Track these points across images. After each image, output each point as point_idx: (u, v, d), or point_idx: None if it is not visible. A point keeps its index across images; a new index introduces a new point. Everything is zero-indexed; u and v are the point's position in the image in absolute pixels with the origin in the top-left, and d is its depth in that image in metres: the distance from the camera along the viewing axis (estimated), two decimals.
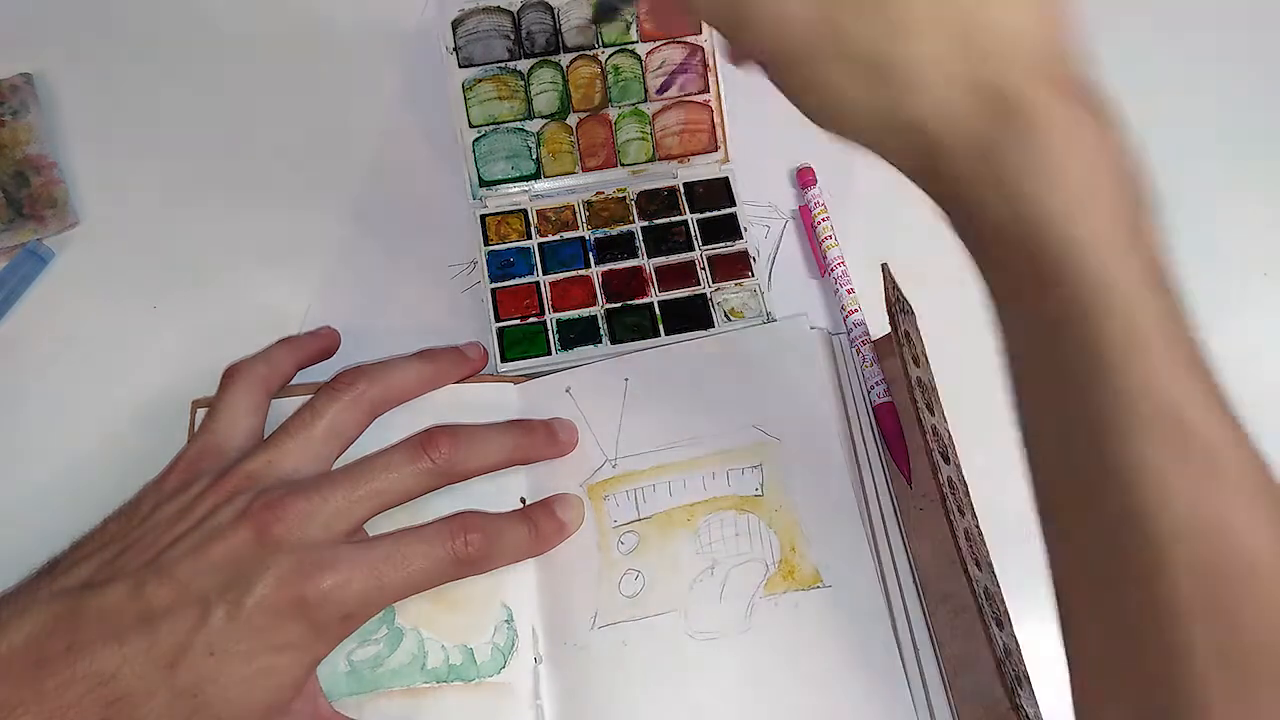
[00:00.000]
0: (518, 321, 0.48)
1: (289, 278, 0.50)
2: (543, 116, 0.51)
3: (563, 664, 0.39)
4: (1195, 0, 0.59)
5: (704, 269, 0.49)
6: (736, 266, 0.49)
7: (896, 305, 0.41)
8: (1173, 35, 0.58)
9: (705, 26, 0.51)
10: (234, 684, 0.33)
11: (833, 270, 0.48)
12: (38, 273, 0.51)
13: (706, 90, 0.51)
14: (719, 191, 0.51)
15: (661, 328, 0.47)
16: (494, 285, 0.49)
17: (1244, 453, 0.26)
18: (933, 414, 0.41)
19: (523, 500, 0.42)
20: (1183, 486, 0.25)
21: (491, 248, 0.50)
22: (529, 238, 0.50)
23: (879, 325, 0.45)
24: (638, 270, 0.49)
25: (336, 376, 0.40)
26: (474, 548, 0.37)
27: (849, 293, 0.47)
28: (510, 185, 0.51)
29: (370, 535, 0.38)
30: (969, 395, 0.45)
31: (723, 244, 0.50)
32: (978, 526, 0.41)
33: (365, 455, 0.38)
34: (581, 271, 0.49)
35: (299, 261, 0.51)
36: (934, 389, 0.43)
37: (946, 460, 0.40)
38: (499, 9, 0.50)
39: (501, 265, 0.49)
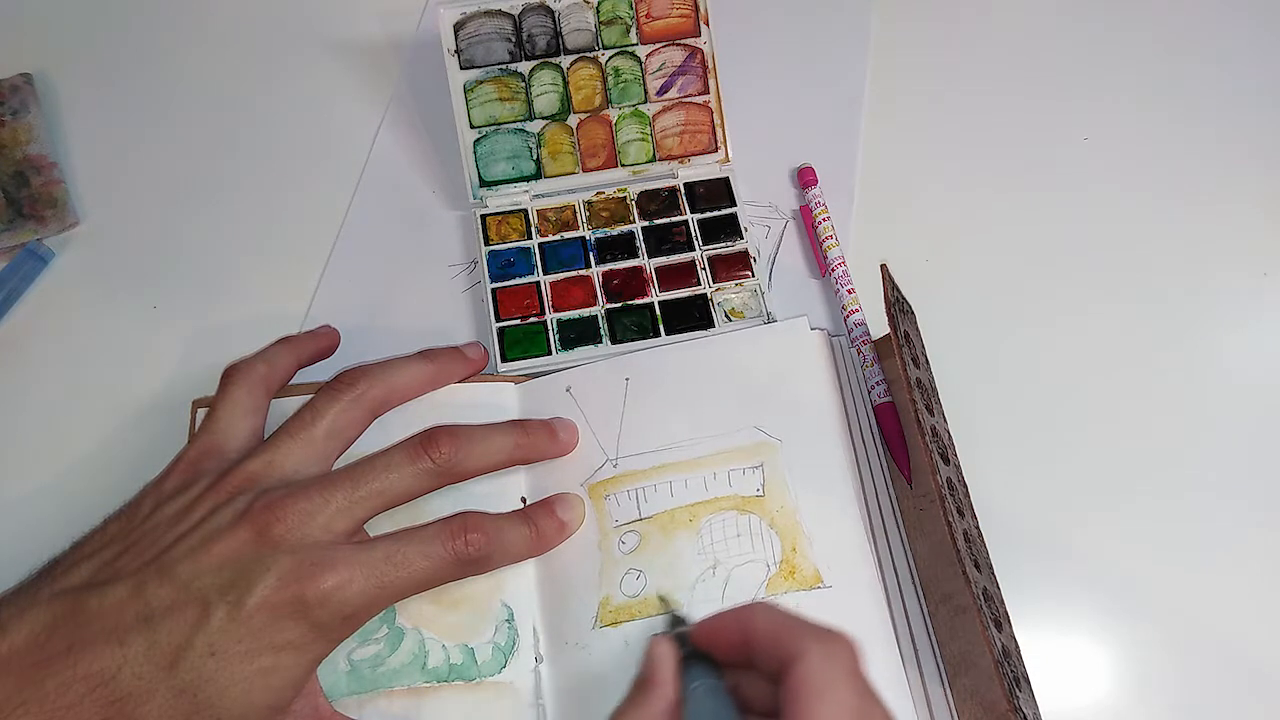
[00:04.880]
0: (518, 321, 0.48)
1: (289, 278, 0.50)
2: (543, 118, 0.51)
3: (564, 664, 0.39)
4: (1195, 2, 0.59)
5: (704, 269, 0.49)
6: (737, 266, 0.49)
7: (896, 305, 0.41)
8: (1173, 36, 0.58)
9: (705, 28, 0.51)
10: (234, 684, 0.33)
11: (833, 270, 0.48)
12: (38, 273, 0.51)
13: (706, 91, 0.51)
14: (719, 191, 0.51)
15: (662, 328, 0.47)
16: (494, 285, 0.49)
17: None
18: (932, 414, 0.41)
19: (523, 500, 0.42)
20: None
21: (492, 248, 0.50)
22: (529, 238, 0.50)
23: (879, 325, 0.45)
24: (638, 270, 0.49)
25: (337, 377, 0.40)
26: (475, 548, 0.37)
27: (849, 293, 0.47)
28: (511, 185, 0.51)
29: (371, 535, 0.38)
30: (969, 395, 0.45)
31: (723, 244, 0.50)
32: (977, 527, 0.41)
33: (365, 455, 0.38)
34: (582, 271, 0.49)
35: (299, 261, 0.51)
36: (934, 389, 0.43)
37: (946, 461, 0.40)
38: (500, 12, 0.50)
39: (502, 265, 0.49)
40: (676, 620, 0.37)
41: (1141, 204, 0.52)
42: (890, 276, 0.42)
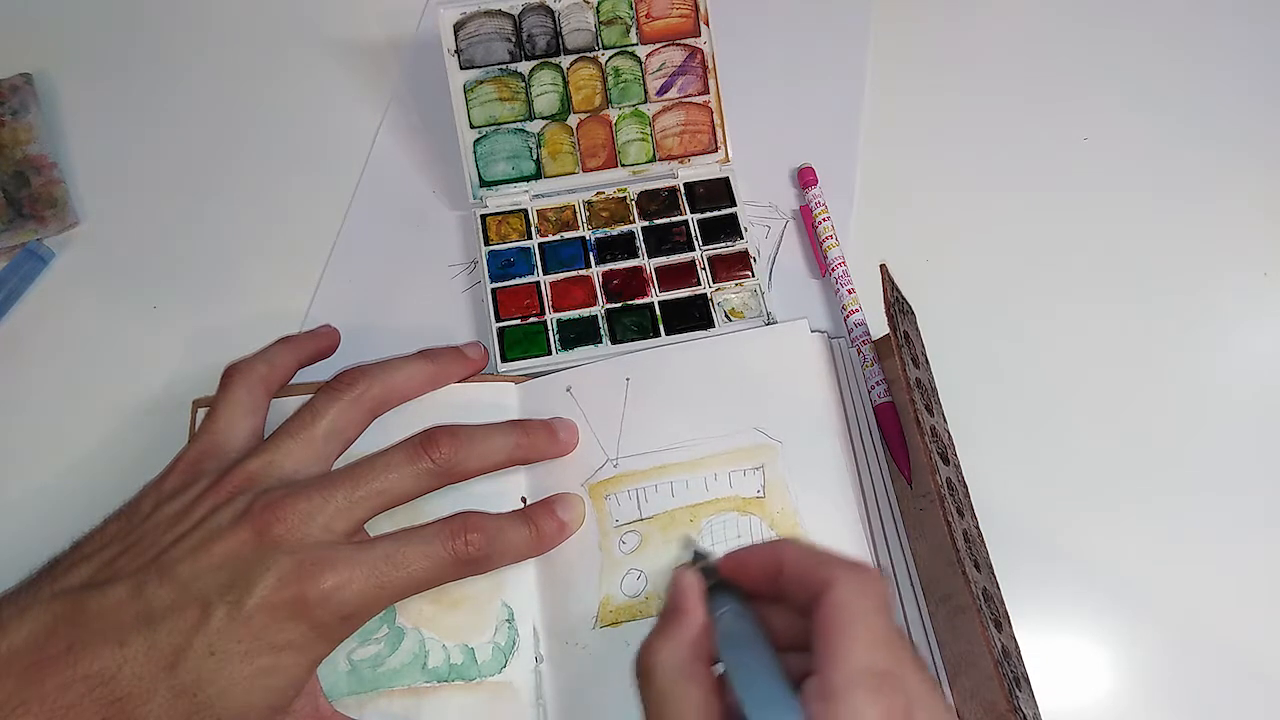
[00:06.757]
0: (518, 321, 0.48)
1: (289, 278, 0.50)
2: (543, 117, 0.51)
3: (564, 664, 0.39)
4: (1195, 2, 0.59)
5: (704, 269, 0.49)
6: (737, 266, 0.49)
7: (896, 306, 0.41)
8: (1173, 36, 0.58)
9: (705, 28, 0.51)
10: (234, 684, 0.33)
11: (833, 270, 0.48)
12: (38, 273, 0.51)
13: (706, 91, 0.51)
14: (719, 191, 0.51)
15: (662, 328, 0.47)
16: (494, 285, 0.49)
17: None
18: (932, 414, 0.41)
19: (524, 500, 0.42)
20: None
21: (492, 248, 0.50)
22: (529, 238, 0.50)
23: (879, 325, 0.45)
24: (638, 270, 0.49)
25: (337, 376, 0.40)
26: (474, 548, 0.37)
27: (849, 293, 0.47)
28: (511, 185, 0.51)
29: (371, 535, 0.38)
30: (969, 395, 0.45)
31: (723, 244, 0.50)
32: (977, 527, 0.41)
33: (365, 455, 0.38)
34: (582, 271, 0.49)
35: (299, 261, 0.51)
36: (934, 389, 0.43)
37: (946, 461, 0.40)
38: (500, 12, 0.50)
39: (502, 265, 0.49)
40: (700, 555, 0.37)
41: (1141, 204, 0.52)
42: (890, 276, 0.42)
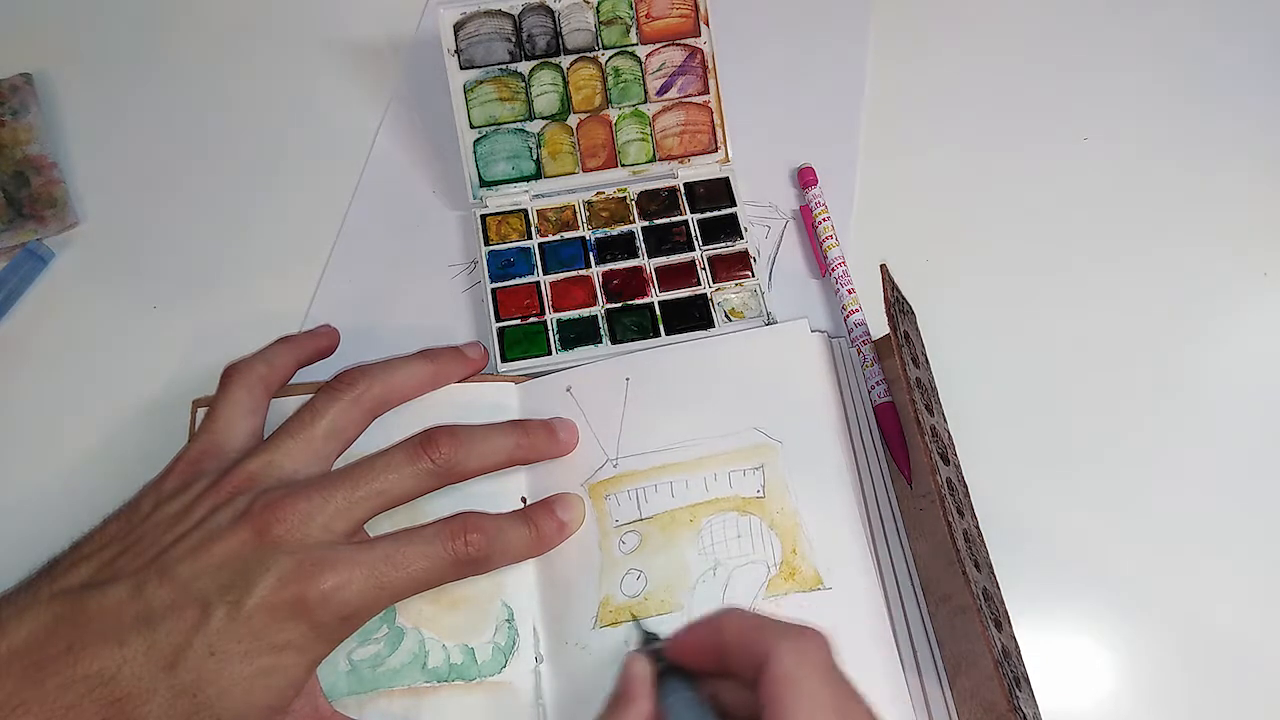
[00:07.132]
0: (518, 321, 0.48)
1: (289, 278, 0.50)
2: (543, 118, 0.51)
3: (564, 664, 0.39)
4: (1195, 2, 0.59)
5: (704, 269, 0.49)
6: (737, 266, 0.49)
7: (896, 305, 0.41)
8: (1173, 36, 0.58)
9: (705, 28, 0.51)
10: (234, 684, 0.33)
11: (833, 270, 0.48)
12: (38, 273, 0.51)
13: (706, 91, 0.51)
14: (719, 191, 0.51)
15: (662, 328, 0.47)
16: (494, 285, 0.49)
17: None
18: (932, 414, 0.41)
19: (523, 500, 0.42)
20: None
21: (492, 248, 0.50)
22: (529, 238, 0.50)
23: (879, 325, 0.45)
24: (638, 270, 0.49)
25: (337, 376, 0.40)
26: (474, 548, 0.37)
27: (849, 293, 0.47)
28: (511, 185, 0.51)
29: (371, 536, 0.38)
30: (969, 395, 0.45)
31: (723, 244, 0.50)
32: (977, 527, 0.41)
33: (365, 455, 0.38)
34: (582, 271, 0.49)
35: (299, 261, 0.51)
36: (934, 389, 0.43)
37: (946, 461, 0.40)
38: (500, 12, 0.50)
39: (502, 265, 0.49)
40: (649, 637, 0.37)
41: (1141, 204, 0.52)
42: (890, 276, 0.42)
